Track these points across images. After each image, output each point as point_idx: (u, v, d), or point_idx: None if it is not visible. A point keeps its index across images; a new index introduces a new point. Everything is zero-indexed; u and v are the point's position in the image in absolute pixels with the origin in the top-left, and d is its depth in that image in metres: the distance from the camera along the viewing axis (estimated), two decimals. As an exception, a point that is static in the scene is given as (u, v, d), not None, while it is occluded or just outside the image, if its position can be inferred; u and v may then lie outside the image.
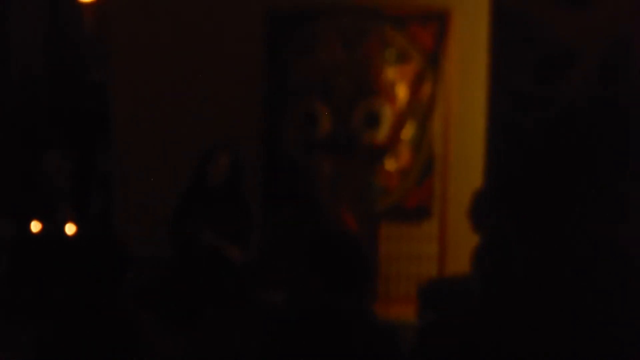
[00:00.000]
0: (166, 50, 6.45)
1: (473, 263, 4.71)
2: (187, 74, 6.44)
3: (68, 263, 5.18)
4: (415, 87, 6.40)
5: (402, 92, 6.42)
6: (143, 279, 5.41)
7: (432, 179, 6.51)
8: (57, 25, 7.58)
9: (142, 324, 3.51)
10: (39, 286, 5.49)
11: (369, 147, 6.46)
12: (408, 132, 6.45)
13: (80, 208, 5.98)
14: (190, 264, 5.39)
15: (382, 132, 6.44)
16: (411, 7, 6.39)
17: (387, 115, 6.43)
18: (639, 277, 3.18)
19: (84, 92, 7.71)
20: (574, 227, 3.23)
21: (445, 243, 6.48)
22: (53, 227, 5.64)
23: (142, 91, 6.51)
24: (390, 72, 6.42)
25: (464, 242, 5.09)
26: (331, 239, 3.48)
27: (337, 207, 5.51)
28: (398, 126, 6.43)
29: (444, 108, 6.43)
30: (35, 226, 5.57)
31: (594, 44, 3.19)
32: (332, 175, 5.76)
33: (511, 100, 3.33)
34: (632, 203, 3.18)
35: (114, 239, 3.71)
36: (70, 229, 5.64)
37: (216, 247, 5.36)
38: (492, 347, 3.44)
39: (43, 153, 5.94)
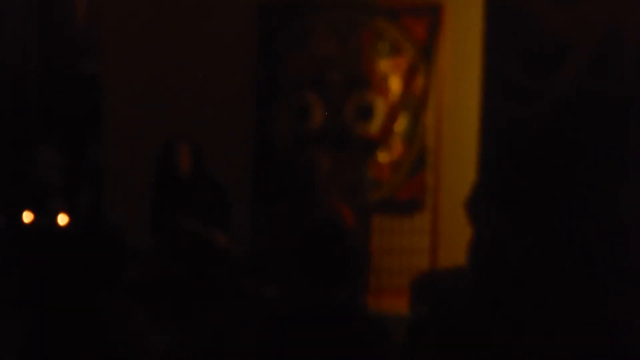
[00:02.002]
0: (158, 43, 6.43)
1: (468, 256, 4.71)
2: (179, 66, 6.42)
3: (61, 254, 5.17)
4: (408, 80, 6.39)
5: (394, 84, 6.41)
6: (132, 271, 5.42)
7: (425, 172, 6.50)
8: (49, 17, 7.54)
9: (134, 317, 3.51)
10: (30, 277, 5.48)
11: (361, 139, 6.45)
12: (400, 124, 6.45)
13: (71, 201, 5.96)
14: (175, 253, 5.39)
15: (375, 125, 6.44)
16: None
17: (380, 107, 6.42)
18: (633, 270, 3.18)
19: (76, 84, 7.68)
20: (568, 220, 3.23)
21: (437, 236, 6.48)
22: (45, 218, 5.63)
23: (134, 83, 6.49)
24: (383, 65, 6.41)
25: (456, 234, 5.09)
26: (319, 231, 3.48)
27: (330, 200, 5.50)
28: (391, 119, 6.43)
29: (437, 100, 6.42)
30: (27, 217, 5.55)
31: (587, 37, 3.20)
32: (324, 168, 5.75)
33: (504, 93, 3.33)
34: (626, 196, 3.19)
35: (114, 230, 3.70)
36: (62, 219, 5.62)
37: (198, 232, 5.38)
38: (484, 340, 3.44)
39: (35, 146, 5.92)
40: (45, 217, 5.64)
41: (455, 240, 5.21)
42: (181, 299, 5.10)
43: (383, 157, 6.48)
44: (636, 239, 3.18)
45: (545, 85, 3.24)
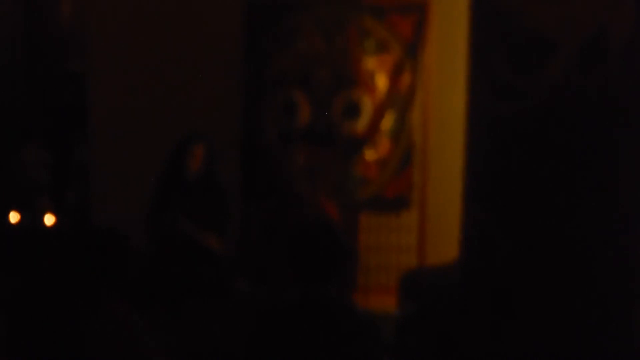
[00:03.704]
0: (145, 40, 6.42)
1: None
2: (166, 64, 6.42)
3: (48, 253, 5.15)
4: (394, 77, 6.39)
5: (381, 82, 6.42)
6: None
7: (412, 169, 6.51)
8: (35, 14, 7.52)
9: (124, 317, 3.50)
10: (18, 278, 5.46)
11: (348, 137, 6.45)
12: (387, 122, 6.45)
13: (58, 199, 5.94)
14: (168, 254, 5.38)
15: (362, 123, 6.44)
16: (390, -3, 6.40)
17: (367, 105, 6.42)
18: (623, 268, 3.19)
19: (62, 82, 7.66)
20: (558, 218, 3.23)
21: (425, 233, 6.48)
22: (32, 218, 5.61)
23: (121, 81, 6.48)
24: (370, 62, 6.41)
25: (443, 232, 5.11)
26: (307, 228, 3.47)
27: (316, 198, 5.51)
28: (377, 116, 6.43)
29: (423, 98, 6.43)
30: (14, 217, 5.53)
31: (574, 34, 3.20)
32: (312, 165, 5.75)
33: (491, 90, 3.33)
34: (615, 193, 3.19)
35: (116, 232, 3.68)
36: (49, 219, 5.60)
37: (194, 236, 5.35)
38: (472, 337, 3.45)
39: (21, 144, 5.90)
40: (32, 217, 5.63)
41: (442, 238, 5.22)
42: (171, 299, 5.09)
43: (370, 154, 6.48)
44: (636, 239, 3.19)
45: (532, 82, 3.24)
